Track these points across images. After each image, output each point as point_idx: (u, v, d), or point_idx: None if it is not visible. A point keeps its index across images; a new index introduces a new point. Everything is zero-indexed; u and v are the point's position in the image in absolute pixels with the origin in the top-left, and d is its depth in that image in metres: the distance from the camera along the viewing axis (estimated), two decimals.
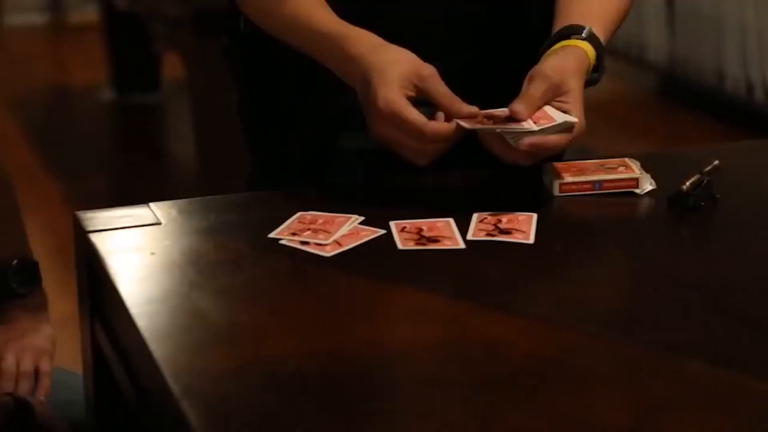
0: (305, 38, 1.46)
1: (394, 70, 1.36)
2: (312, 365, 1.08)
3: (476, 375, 1.06)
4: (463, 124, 1.35)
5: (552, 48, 1.42)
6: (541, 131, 1.33)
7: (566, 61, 1.39)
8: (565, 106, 1.37)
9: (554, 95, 1.37)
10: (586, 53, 1.41)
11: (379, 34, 1.44)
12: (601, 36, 1.44)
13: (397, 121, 1.34)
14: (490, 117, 1.36)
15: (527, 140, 1.33)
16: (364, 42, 1.41)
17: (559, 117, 1.35)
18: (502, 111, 1.37)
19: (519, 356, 1.09)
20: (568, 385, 1.05)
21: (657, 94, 4.47)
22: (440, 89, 1.36)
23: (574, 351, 1.10)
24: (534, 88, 1.37)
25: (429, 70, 1.37)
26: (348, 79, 1.42)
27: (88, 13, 5.01)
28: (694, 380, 1.05)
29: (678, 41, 4.28)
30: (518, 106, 1.35)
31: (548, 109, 1.37)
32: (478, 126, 1.35)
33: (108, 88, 4.54)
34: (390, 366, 1.09)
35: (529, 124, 1.34)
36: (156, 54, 4.36)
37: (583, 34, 1.42)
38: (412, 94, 1.36)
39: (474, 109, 1.37)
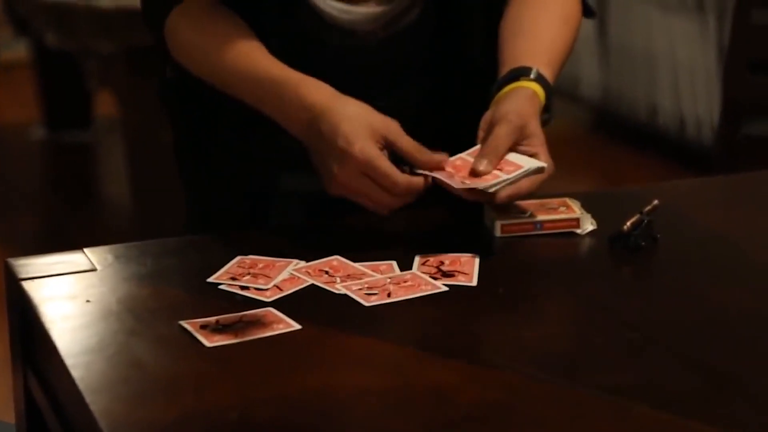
0: (247, 84, 1.44)
1: (365, 121, 1.36)
2: (255, 414, 1.06)
3: (423, 422, 1.05)
4: (437, 176, 1.35)
5: (502, 91, 1.41)
6: (508, 183, 1.33)
7: (523, 104, 1.39)
8: (532, 150, 1.37)
9: (518, 140, 1.36)
10: (536, 93, 1.41)
11: (320, 77, 1.43)
12: (549, 75, 1.43)
13: (371, 171, 1.33)
14: (456, 169, 1.36)
15: (503, 194, 1.33)
16: (322, 90, 1.39)
17: (527, 162, 1.35)
18: (461, 159, 1.36)
19: (465, 402, 1.08)
20: (514, 429, 1.04)
21: (590, 128, 4.50)
22: (407, 141, 1.36)
23: (520, 395, 1.09)
24: (497, 134, 1.36)
25: (395, 124, 1.37)
26: (291, 124, 1.40)
27: (18, 51, 4.95)
28: (639, 423, 1.05)
29: (611, 76, 4.32)
30: (482, 165, 1.34)
31: (513, 155, 1.36)
32: (451, 182, 1.34)
33: (39, 127, 4.48)
34: (335, 414, 1.07)
35: (498, 176, 1.33)
36: (88, 91, 4.32)
37: (531, 76, 1.42)
38: (380, 146, 1.35)
39: (443, 156, 1.36)
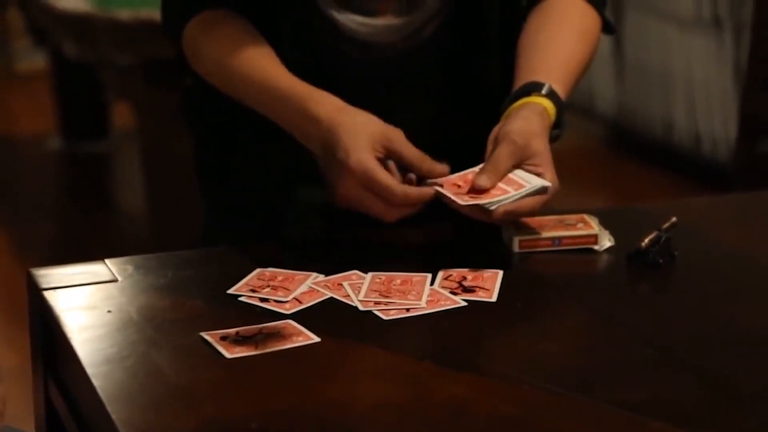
0: (259, 95, 1.45)
1: (364, 131, 1.36)
2: (273, 425, 1.07)
3: None
4: (441, 190, 1.35)
5: (512, 106, 1.42)
6: (511, 200, 1.33)
7: (530, 122, 1.39)
8: (537, 169, 1.37)
9: (521, 159, 1.37)
10: (547, 110, 1.41)
11: (338, 89, 1.44)
12: (561, 91, 1.44)
13: (368, 182, 1.34)
14: (468, 183, 1.36)
15: (502, 208, 1.34)
16: (328, 103, 1.40)
17: (532, 180, 1.36)
18: (473, 173, 1.37)
19: (482, 415, 1.09)
20: None
21: (606, 144, 4.51)
22: (410, 150, 1.37)
23: (537, 409, 1.10)
24: (499, 153, 1.36)
25: (397, 133, 1.38)
26: (305, 138, 1.42)
27: (36, 61, 4.98)
28: None
29: (626, 92, 4.33)
30: (482, 180, 1.35)
31: (520, 173, 1.37)
32: (454, 197, 1.35)
33: (56, 137, 4.50)
34: (353, 426, 1.07)
35: (502, 191, 1.34)
36: (105, 102, 4.34)
37: (543, 91, 1.42)
38: (381, 155, 1.36)
39: (445, 168, 1.37)
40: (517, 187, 1.35)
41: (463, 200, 1.34)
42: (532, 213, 1.37)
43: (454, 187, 1.36)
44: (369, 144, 1.35)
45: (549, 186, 1.36)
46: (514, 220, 1.38)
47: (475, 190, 1.35)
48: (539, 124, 1.39)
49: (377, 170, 1.34)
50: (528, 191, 1.34)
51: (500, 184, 1.36)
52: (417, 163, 1.37)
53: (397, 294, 1.29)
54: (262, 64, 1.45)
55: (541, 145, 1.38)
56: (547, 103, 1.41)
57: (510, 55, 1.51)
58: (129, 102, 3.51)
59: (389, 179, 1.34)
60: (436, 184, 1.37)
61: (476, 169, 1.38)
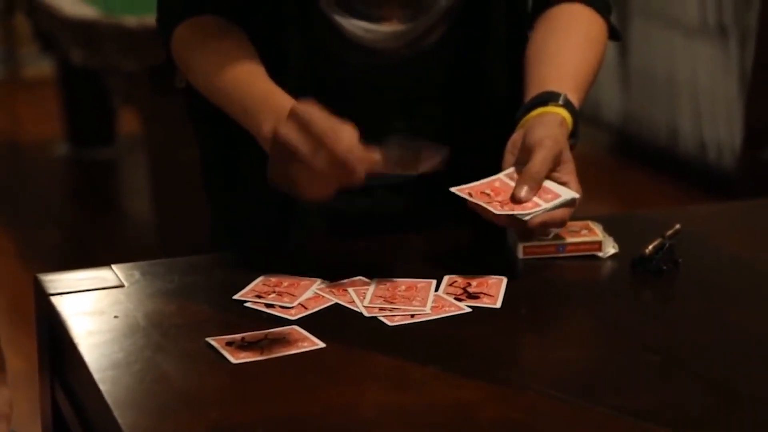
0: (235, 108, 1.44)
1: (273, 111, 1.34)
2: (278, 429, 1.07)
3: None
4: (472, 199, 1.33)
5: (529, 115, 1.42)
6: (548, 209, 1.33)
7: (556, 131, 1.38)
8: (563, 178, 1.37)
9: (554, 166, 1.36)
10: (565, 120, 1.41)
11: (343, 95, 1.45)
12: (576, 100, 1.44)
13: (309, 122, 1.24)
14: (495, 192, 1.36)
15: (537, 219, 1.33)
16: (286, 98, 1.38)
17: (562, 192, 1.35)
18: (499, 180, 1.36)
19: (486, 421, 1.09)
20: None
21: (611, 151, 4.51)
22: (317, 117, 1.26)
23: (542, 415, 1.10)
24: (536, 162, 1.35)
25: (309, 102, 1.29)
26: (257, 131, 1.38)
27: (42, 68, 4.99)
28: None
29: (631, 100, 4.33)
30: (522, 192, 1.34)
31: (548, 183, 1.36)
32: (488, 206, 1.33)
33: (63, 143, 4.52)
34: (358, 431, 1.08)
35: (536, 204, 1.33)
36: (111, 108, 4.35)
37: (560, 101, 1.41)
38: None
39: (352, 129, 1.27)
40: (551, 196, 1.34)
41: (498, 210, 1.33)
42: (563, 224, 1.37)
43: (483, 196, 1.35)
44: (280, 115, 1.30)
45: (578, 198, 1.36)
46: (530, 230, 1.36)
47: (512, 200, 1.34)
48: (563, 134, 1.39)
49: (319, 112, 1.25)
50: (559, 203, 1.35)
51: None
52: (326, 129, 1.23)
53: (402, 300, 1.29)
54: (237, 75, 1.44)
55: (568, 155, 1.38)
56: (565, 113, 1.41)
57: (515, 61, 1.52)
58: (135, 108, 3.52)
59: (327, 117, 1.24)
60: (464, 191, 1.35)
61: (501, 176, 1.37)
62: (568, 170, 1.37)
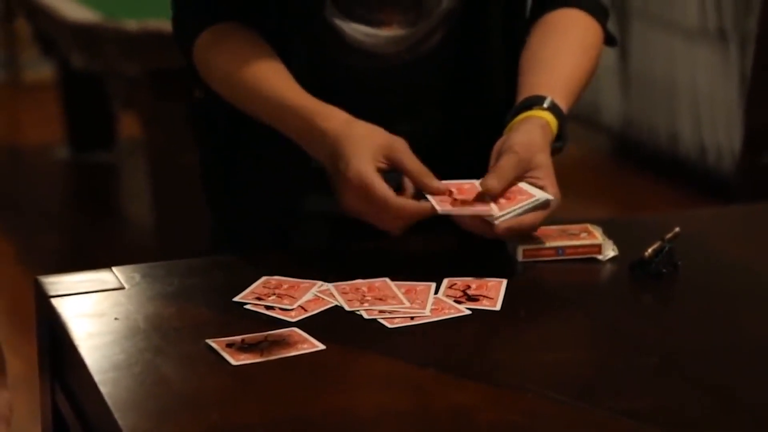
0: (269, 110, 1.46)
1: (367, 142, 1.38)
2: (278, 431, 1.08)
3: None
4: (437, 207, 1.35)
5: (514, 119, 1.43)
6: (516, 213, 1.34)
7: (532, 136, 1.40)
8: (539, 182, 1.38)
9: (524, 171, 1.38)
10: (549, 124, 1.42)
11: (344, 99, 1.45)
12: (564, 104, 1.45)
13: (364, 192, 1.35)
14: (461, 192, 1.37)
15: (504, 224, 1.34)
16: (334, 117, 1.42)
17: (536, 193, 1.36)
18: (471, 184, 1.38)
19: (484, 423, 1.10)
20: None
21: (611, 155, 4.51)
22: (411, 163, 1.38)
23: (540, 418, 1.11)
24: (503, 164, 1.37)
25: (401, 143, 1.39)
26: (314, 152, 1.43)
27: (43, 71, 4.99)
28: None
29: (631, 104, 4.34)
30: (491, 181, 1.36)
31: (523, 185, 1.38)
32: (451, 210, 1.35)
33: (63, 147, 4.52)
34: None
35: (502, 206, 1.35)
36: (112, 112, 4.35)
37: (544, 105, 1.43)
38: (385, 166, 1.37)
39: (442, 185, 1.37)
40: (525, 197, 1.36)
41: (463, 212, 1.34)
42: (534, 228, 1.38)
43: (453, 200, 1.36)
44: (370, 154, 1.37)
45: (552, 200, 1.36)
46: (496, 236, 1.37)
47: (483, 187, 1.35)
48: (542, 138, 1.40)
49: (374, 182, 1.35)
50: (531, 204, 1.35)
51: (502, 199, 1.36)
52: (416, 176, 1.37)
53: (395, 300, 1.29)
54: (272, 79, 1.46)
55: (543, 159, 1.39)
56: (549, 117, 1.43)
57: (513, 66, 1.52)
58: (136, 112, 3.52)
59: (385, 191, 1.35)
60: (434, 203, 1.36)
61: (474, 181, 1.38)
62: (543, 174, 1.38)
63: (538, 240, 1.42)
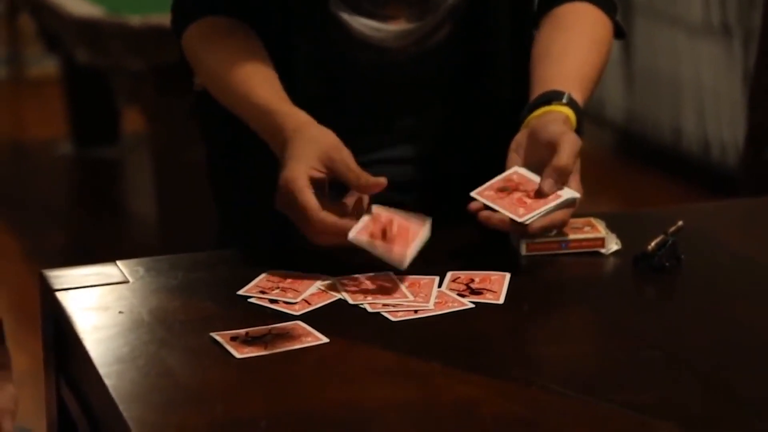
0: (242, 108, 1.46)
1: (311, 146, 1.36)
2: (282, 424, 1.08)
3: None
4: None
5: (534, 113, 1.42)
6: (548, 210, 1.34)
7: (568, 129, 1.39)
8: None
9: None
10: (569, 118, 1.42)
11: (350, 93, 1.45)
12: (579, 99, 1.44)
13: (290, 198, 1.34)
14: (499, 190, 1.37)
15: (537, 224, 1.34)
16: (293, 117, 1.41)
17: (562, 191, 1.35)
18: (503, 180, 1.37)
19: (488, 416, 1.10)
20: None
21: (614, 150, 4.51)
22: (349, 169, 1.34)
23: (544, 411, 1.11)
24: (566, 155, 1.35)
25: (342, 152, 1.36)
26: (273, 149, 1.43)
27: (47, 67, 5.00)
28: None
29: (635, 99, 4.33)
30: (547, 186, 1.34)
31: None
32: (499, 209, 1.34)
33: (67, 142, 4.52)
34: (361, 426, 1.09)
35: (529, 207, 1.34)
36: (116, 108, 4.35)
37: (564, 100, 1.42)
38: (321, 174, 1.35)
39: (382, 179, 1.34)
40: (550, 199, 1.35)
41: (521, 216, 1.33)
42: (564, 224, 1.38)
43: (500, 193, 1.35)
44: (308, 161, 1.34)
45: (578, 198, 1.36)
46: (530, 234, 1.37)
47: (539, 194, 1.34)
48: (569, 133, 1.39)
49: (300, 190, 1.33)
50: (560, 203, 1.35)
51: (528, 199, 1.34)
52: (354, 181, 1.34)
53: (398, 294, 1.30)
54: (247, 77, 1.46)
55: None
56: (569, 112, 1.42)
57: (521, 60, 1.52)
58: (140, 107, 3.52)
59: (308, 201, 1.32)
60: (482, 194, 1.35)
61: (517, 169, 1.38)
62: (573, 169, 1.37)
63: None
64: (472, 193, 1.37)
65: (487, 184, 1.38)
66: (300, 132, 1.39)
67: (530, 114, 1.42)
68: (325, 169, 1.35)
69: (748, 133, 3.35)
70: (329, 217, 1.33)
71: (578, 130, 1.43)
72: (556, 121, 1.40)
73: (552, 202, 1.35)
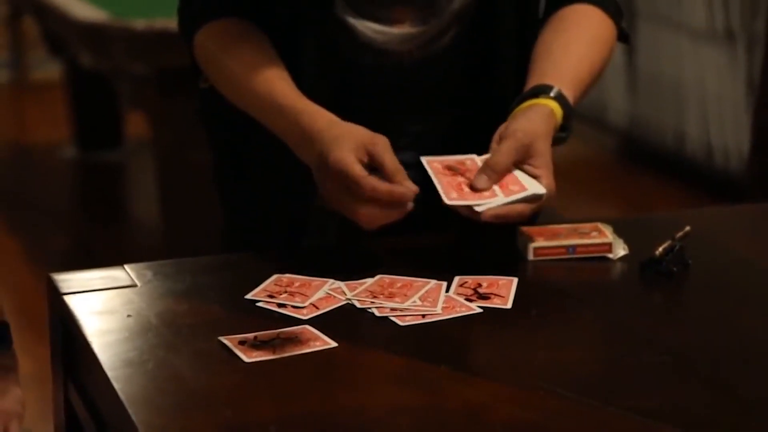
0: (261, 109, 1.46)
1: (349, 136, 1.37)
2: (290, 428, 1.08)
3: None
4: (433, 177, 1.34)
5: (520, 106, 1.43)
6: (507, 202, 1.34)
7: (535, 123, 1.40)
8: (536, 171, 1.38)
9: (522, 158, 1.38)
10: (553, 112, 1.42)
11: (355, 96, 1.45)
12: (571, 96, 1.45)
13: (342, 175, 1.34)
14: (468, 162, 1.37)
15: (490, 212, 1.34)
16: (320, 117, 1.41)
17: (529, 185, 1.36)
18: (471, 159, 1.38)
19: (497, 421, 1.10)
20: None
21: (617, 155, 4.51)
22: (390, 161, 1.35)
23: (553, 416, 1.11)
24: (501, 150, 1.37)
25: (383, 140, 1.37)
26: (299, 151, 1.43)
27: (51, 71, 5.00)
28: None
29: (639, 104, 4.34)
30: (480, 182, 1.36)
31: (518, 174, 1.37)
32: (442, 194, 1.35)
33: (70, 146, 4.53)
34: (370, 430, 1.08)
35: (494, 195, 1.35)
36: (119, 112, 4.36)
37: (551, 94, 1.43)
38: (365, 160, 1.36)
39: (413, 188, 1.35)
40: (515, 190, 1.35)
41: (450, 199, 1.35)
42: (521, 218, 1.37)
43: (448, 171, 1.36)
44: (352, 146, 1.35)
45: (543, 194, 1.36)
46: (484, 223, 1.37)
47: (472, 189, 1.35)
48: (545, 126, 1.40)
49: (353, 165, 1.33)
50: (521, 197, 1.35)
51: (495, 186, 1.36)
52: (390, 173, 1.35)
53: (404, 296, 1.30)
54: (267, 79, 1.46)
55: (543, 147, 1.38)
56: (555, 106, 1.42)
57: (525, 66, 1.52)
58: (143, 111, 3.53)
59: (360, 171, 1.33)
60: (431, 163, 1.36)
61: (474, 157, 1.38)
62: (541, 163, 1.38)
63: (548, 238, 1.42)
64: (422, 158, 1.38)
65: (442, 157, 1.39)
66: (335, 125, 1.39)
67: (518, 106, 1.43)
68: (368, 156, 1.36)
69: (754, 138, 3.35)
70: (382, 185, 1.33)
71: (565, 126, 1.43)
72: (533, 115, 1.40)
73: (514, 195, 1.35)
